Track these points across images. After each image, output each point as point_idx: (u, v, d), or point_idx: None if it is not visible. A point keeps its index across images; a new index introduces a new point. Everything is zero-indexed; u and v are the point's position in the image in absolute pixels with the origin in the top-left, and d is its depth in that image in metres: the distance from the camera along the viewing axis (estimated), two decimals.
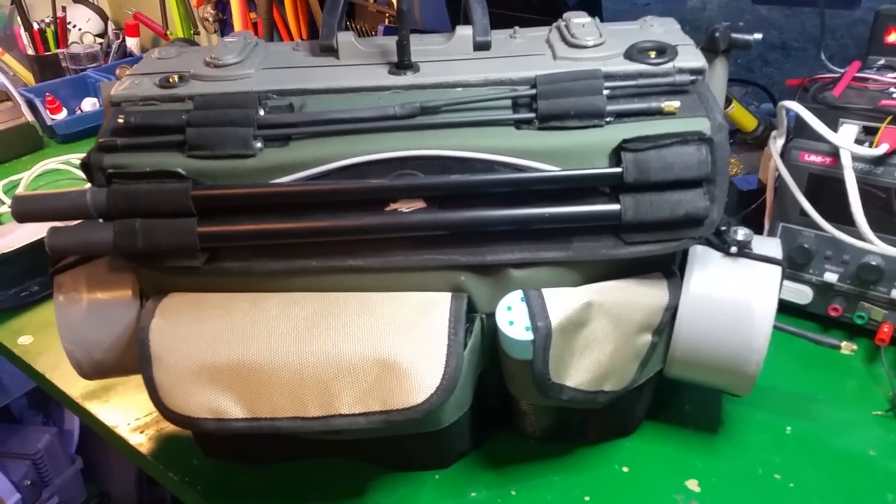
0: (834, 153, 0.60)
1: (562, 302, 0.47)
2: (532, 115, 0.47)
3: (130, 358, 0.53)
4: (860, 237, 0.59)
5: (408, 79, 0.51)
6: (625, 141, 0.46)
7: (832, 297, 0.66)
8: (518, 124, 0.48)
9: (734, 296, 0.50)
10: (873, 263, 0.62)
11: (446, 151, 0.47)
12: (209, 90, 0.52)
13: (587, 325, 0.48)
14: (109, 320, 0.53)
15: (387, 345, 0.47)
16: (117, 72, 0.59)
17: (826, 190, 0.62)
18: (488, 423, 0.58)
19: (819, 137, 0.60)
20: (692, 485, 0.54)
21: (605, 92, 0.47)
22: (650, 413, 0.59)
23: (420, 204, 0.48)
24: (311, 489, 0.56)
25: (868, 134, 0.60)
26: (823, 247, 0.64)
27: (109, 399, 0.67)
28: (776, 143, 0.65)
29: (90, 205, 0.49)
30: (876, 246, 0.58)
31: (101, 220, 0.50)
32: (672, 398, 0.61)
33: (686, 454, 0.57)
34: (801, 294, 0.67)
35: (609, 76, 0.49)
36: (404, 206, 0.48)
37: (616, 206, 0.47)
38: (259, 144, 0.49)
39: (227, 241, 0.49)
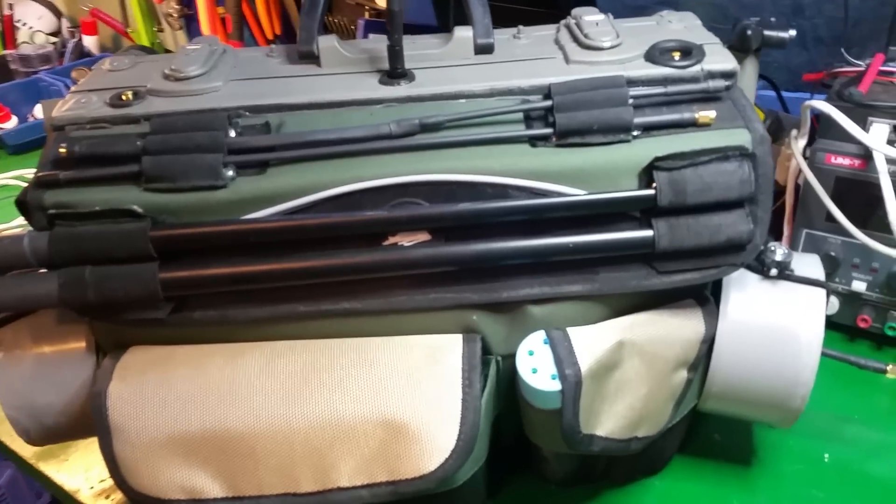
0: (864, 155, 0.55)
1: (591, 343, 0.41)
2: (549, 130, 0.41)
3: (89, 420, 0.45)
4: (893, 244, 0.54)
5: (402, 89, 0.44)
6: (657, 159, 0.40)
7: (860, 307, 0.61)
8: (533, 141, 0.42)
9: (778, 323, 0.44)
10: None
11: (452, 175, 0.41)
12: (169, 108, 0.45)
13: (619, 367, 0.42)
14: (60, 380, 0.46)
15: (392, 402, 0.41)
16: (73, 74, 0.51)
17: (853, 194, 0.57)
18: (503, 466, 0.52)
19: (849, 138, 0.55)
20: None
21: (630, 101, 0.41)
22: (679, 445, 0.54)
23: (424, 236, 0.42)
24: None
25: None
26: (851, 254, 0.59)
27: (69, 457, 0.59)
28: (798, 144, 0.60)
29: (29, 252, 0.41)
30: None
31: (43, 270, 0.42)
32: (699, 427, 0.55)
33: (721, 492, 0.51)
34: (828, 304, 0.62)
35: (632, 82, 0.43)
36: (405, 240, 0.42)
37: (649, 233, 0.41)
38: (230, 173, 0.41)
39: (195, 287, 0.42)
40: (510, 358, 0.43)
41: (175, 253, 0.42)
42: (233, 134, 0.43)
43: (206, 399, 0.42)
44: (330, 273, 0.42)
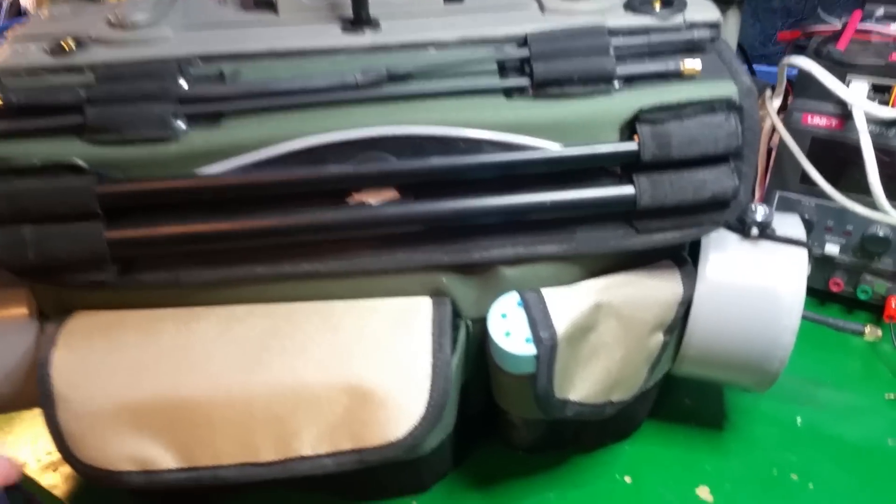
0: (842, 115, 0.54)
1: (566, 305, 0.40)
2: (526, 80, 0.39)
3: (33, 390, 0.42)
4: (869, 205, 0.53)
5: (368, 38, 0.41)
6: (642, 111, 0.38)
7: (832, 271, 0.60)
8: (508, 92, 0.39)
9: (758, 284, 0.43)
10: (880, 234, 0.56)
11: (422, 128, 0.38)
12: (115, 58, 0.41)
13: (595, 330, 0.41)
14: (1, 348, 0.43)
15: (358, 368, 0.39)
16: (8, 34, 0.47)
17: (829, 155, 0.55)
18: (470, 433, 0.51)
19: (826, 97, 0.54)
20: (703, 493, 0.48)
21: (611, 51, 0.39)
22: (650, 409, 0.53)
23: (392, 194, 0.39)
24: None
25: (877, 93, 0.54)
26: (825, 217, 0.59)
27: (13, 430, 0.56)
28: (773, 104, 0.58)
29: None
30: (891, 216, 0.52)
31: None
32: (670, 391, 0.54)
33: (693, 457, 0.50)
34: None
35: (612, 32, 0.40)
36: (372, 198, 0.39)
37: (630, 189, 0.39)
38: (181, 124, 0.38)
39: (144, 247, 0.39)
40: (481, 322, 0.41)
41: (122, 210, 0.39)
42: (184, 84, 0.40)
43: (159, 366, 0.39)
44: (291, 233, 0.39)
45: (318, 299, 0.41)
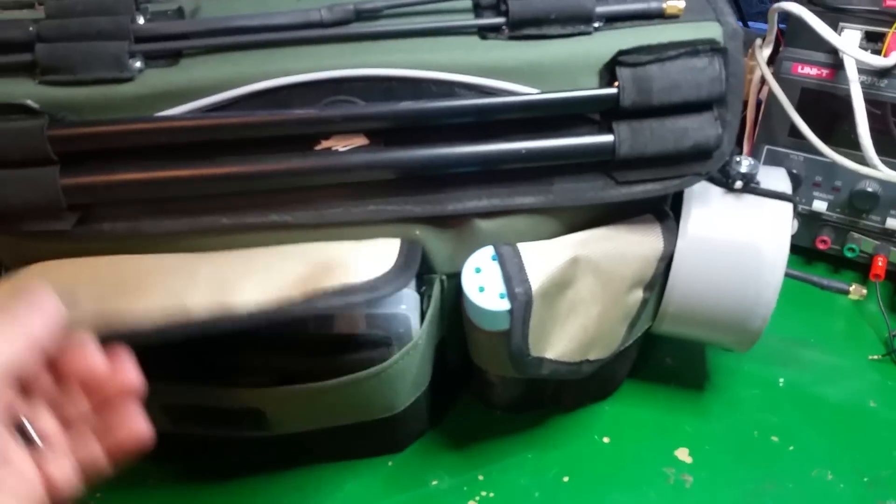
0: (833, 64, 0.52)
1: (542, 260, 0.38)
2: (501, 19, 0.37)
3: None
4: (859, 161, 0.52)
5: None
6: (620, 53, 0.36)
7: (820, 228, 0.59)
8: (483, 33, 0.37)
9: (741, 239, 0.42)
10: (869, 190, 0.55)
11: (391, 70, 0.36)
12: None
13: (572, 286, 0.39)
14: None
15: (319, 254, 0.37)
16: None
17: (819, 107, 0.54)
18: (447, 392, 0.50)
19: (818, 45, 0.52)
20: (682, 454, 0.47)
21: None
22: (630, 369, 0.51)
23: (361, 140, 0.37)
24: (236, 492, 0.46)
25: (870, 41, 0.52)
26: (813, 172, 0.57)
27: None
28: (762, 53, 0.56)
29: None
30: (881, 172, 0.51)
31: None
32: (651, 351, 0.53)
33: (673, 418, 0.49)
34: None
35: None
36: (340, 144, 0.37)
37: (609, 138, 0.37)
38: (138, 64, 0.36)
39: (102, 195, 0.37)
40: (455, 277, 0.40)
41: (78, 155, 0.37)
42: (141, 20, 0.37)
43: (100, 288, 0.37)
44: (255, 180, 0.37)
45: None
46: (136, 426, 0.30)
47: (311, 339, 0.38)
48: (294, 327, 0.38)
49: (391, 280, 0.36)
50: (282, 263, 0.37)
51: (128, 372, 0.30)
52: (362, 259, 0.37)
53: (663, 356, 0.54)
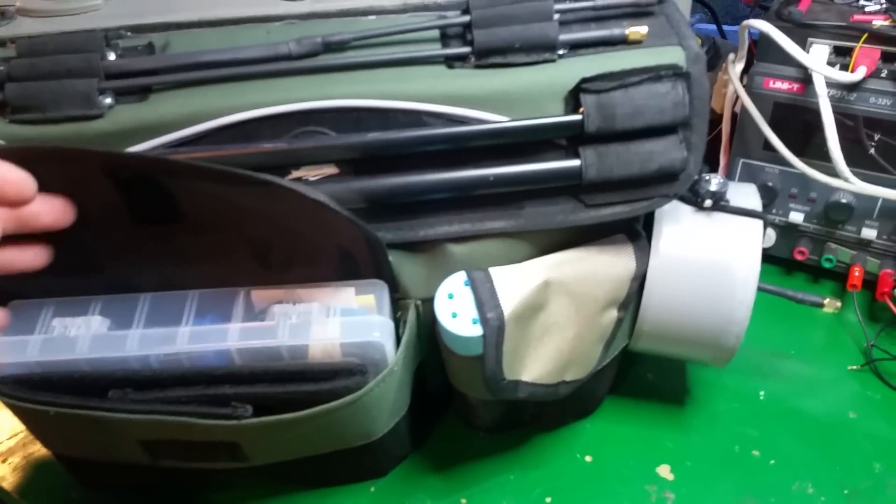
0: (803, 79, 0.53)
1: (514, 284, 0.38)
2: (467, 49, 0.37)
3: None
4: (832, 173, 0.52)
5: (305, 5, 0.40)
6: (584, 80, 0.36)
7: (797, 239, 0.59)
8: (449, 62, 0.37)
9: (712, 258, 0.42)
10: (843, 201, 0.55)
11: (359, 101, 0.37)
12: (41, 30, 0.39)
13: (545, 308, 0.40)
14: None
15: None
16: None
17: (792, 121, 0.54)
18: (428, 415, 0.50)
19: (788, 61, 0.52)
20: (664, 471, 0.47)
21: (556, 17, 0.37)
22: (610, 386, 0.52)
23: (331, 170, 0.38)
24: None
25: (838, 55, 0.52)
26: (789, 184, 0.58)
27: None
28: (735, 69, 0.57)
29: None
30: (852, 184, 0.51)
31: None
32: (631, 367, 0.54)
33: (654, 434, 0.50)
34: (765, 237, 0.60)
35: None
36: (310, 174, 0.38)
37: (576, 163, 0.37)
38: (108, 100, 0.37)
39: None
40: (431, 301, 0.40)
41: None
42: (112, 56, 0.38)
43: None
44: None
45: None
46: None
47: (284, 370, 0.38)
48: (268, 357, 0.38)
49: None
50: None
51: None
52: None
53: (644, 371, 0.54)
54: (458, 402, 0.48)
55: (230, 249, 0.39)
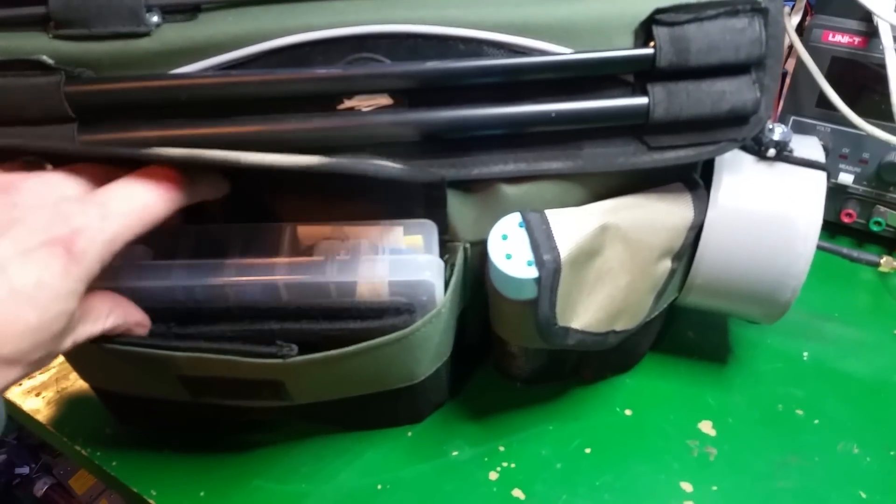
0: (866, 32, 0.51)
1: (571, 227, 0.37)
2: None
3: None
4: (890, 132, 0.50)
5: None
6: (658, 11, 0.34)
7: (845, 201, 0.58)
8: None
9: (773, 209, 0.40)
10: None
11: (417, 27, 0.35)
12: None
13: (600, 254, 0.38)
14: None
15: None
16: None
17: (849, 77, 0.52)
18: (466, 365, 0.49)
19: (849, 13, 0.50)
20: (706, 427, 0.46)
21: None
22: (652, 342, 0.51)
23: (384, 100, 0.36)
24: (256, 460, 0.45)
25: None
26: (840, 144, 0.56)
27: None
28: (791, 21, 0.55)
29: None
30: None
31: None
32: (673, 324, 0.52)
33: (696, 391, 0.49)
34: None
35: None
36: (363, 104, 0.36)
37: (643, 100, 0.36)
38: (155, 18, 0.35)
39: None
40: (480, 244, 0.39)
41: (96, 113, 0.36)
42: None
43: None
44: (276, 141, 0.36)
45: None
46: None
47: (331, 307, 0.37)
48: (315, 293, 0.37)
49: None
50: None
51: None
52: None
53: (685, 330, 0.53)
54: (497, 353, 0.47)
55: (280, 184, 0.38)
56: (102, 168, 0.32)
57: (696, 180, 0.41)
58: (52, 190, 0.31)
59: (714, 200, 0.41)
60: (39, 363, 0.29)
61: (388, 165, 0.35)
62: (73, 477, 1.36)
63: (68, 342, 0.30)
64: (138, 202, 0.31)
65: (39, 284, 0.27)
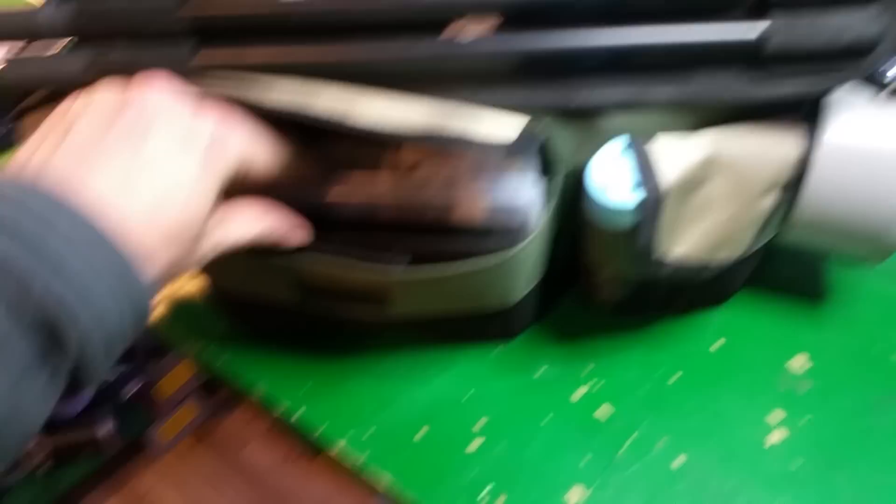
0: None
1: (676, 156, 0.37)
2: None
3: None
4: None
5: None
6: None
7: None
8: None
9: (888, 147, 0.39)
10: None
11: None
12: None
13: (704, 185, 0.38)
14: None
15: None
16: None
17: None
18: (553, 293, 0.50)
19: None
20: (797, 363, 0.46)
21: None
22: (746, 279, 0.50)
23: (487, 25, 0.36)
24: (355, 361, 0.48)
25: None
26: None
27: None
28: None
29: (46, 26, 0.37)
30: None
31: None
32: (769, 262, 0.51)
33: (789, 328, 0.48)
34: None
35: None
36: (465, 29, 0.36)
37: (761, 27, 0.34)
38: None
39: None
40: (578, 172, 0.39)
41: (209, 33, 0.37)
42: None
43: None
44: (382, 66, 0.37)
45: None
46: None
47: (437, 223, 0.38)
48: (419, 209, 0.38)
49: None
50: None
51: None
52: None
53: (781, 268, 0.52)
54: (586, 282, 0.48)
55: None
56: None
57: (807, 113, 0.40)
58: (173, 104, 0.33)
59: (826, 135, 0.40)
60: (177, 267, 0.31)
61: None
62: (162, 379, 1.47)
63: (207, 246, 0.33)
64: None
65: (178, 184, 0.30)
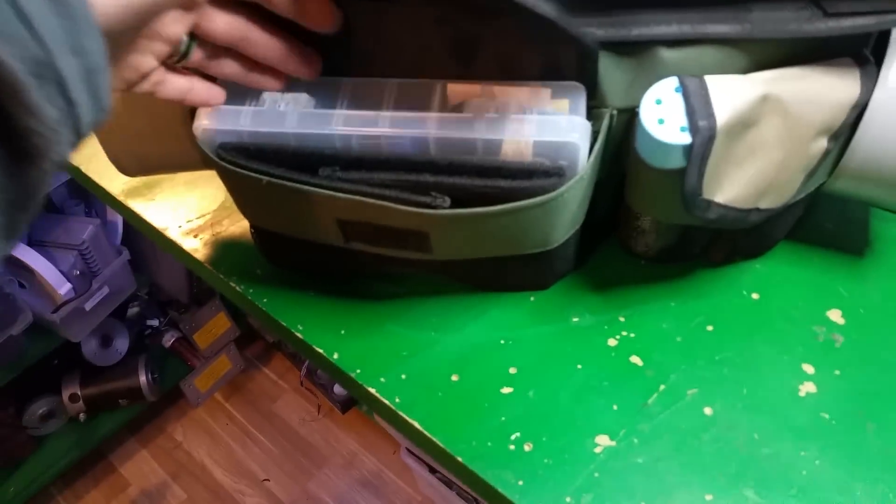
0: None
1: (730, 94, 0.36)
2: None
3: (181, 151, 0.44)
4: None
5: None
6: None
7: None
8: None
9: None
10: None
11: None
12: None
13: (757, 126, 0.37)
14: (154, 104, 0.43)
15: None
16: None
17: None
18: (593, 239, 0.50)
19: None
20: (834, 315, 0.46)
21: None
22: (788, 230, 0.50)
23: None
24: (391, 307, 0.48)
25: None
26: None
27: (154, 197, 0.58)
28: None
29: None
30: None
31: None
32: (811, 214, 0.51)
33: (827, 280, 0.48)
34: None
35: None
36: None
37: None
38: None
39: None
40: (628, 112, 0.39)
41: None
42: None
43: None
44: None
45: None
46: None
47: (482, 164, 0.38)
48: (462, 149, 0.38)
49: None
50: None
51: None
52: None
53: (823, 221, 0.51)
54: (625, 229, 0.48)
55: (433, 39, 0.38)
56: None
57: (866, 56, 0.39)
58: None
59: (884, 80, 0.39)
60: (122, 35, 0.30)
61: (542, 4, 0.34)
62: (198, 332, 1.49)
63: (145, 65, 0.33)
64: None
65: None
